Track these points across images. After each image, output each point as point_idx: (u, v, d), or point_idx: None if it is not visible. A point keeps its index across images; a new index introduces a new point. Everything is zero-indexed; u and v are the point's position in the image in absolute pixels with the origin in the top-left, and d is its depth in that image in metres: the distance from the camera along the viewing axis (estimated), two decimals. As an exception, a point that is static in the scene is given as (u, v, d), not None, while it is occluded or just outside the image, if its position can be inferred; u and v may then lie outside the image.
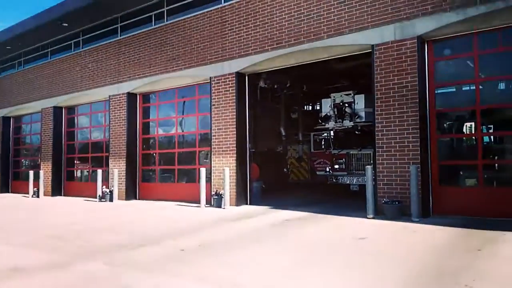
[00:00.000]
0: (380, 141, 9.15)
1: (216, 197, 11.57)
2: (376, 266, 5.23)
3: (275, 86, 14.58)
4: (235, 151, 11.63)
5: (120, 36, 15.24)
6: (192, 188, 12.96)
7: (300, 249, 6.35)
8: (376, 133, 9.22)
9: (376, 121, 9.23)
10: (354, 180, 12.72)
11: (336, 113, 12.54)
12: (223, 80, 11.94)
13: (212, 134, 12.13)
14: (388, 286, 4.41)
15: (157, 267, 5.37)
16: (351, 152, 13.13)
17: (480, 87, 8.79)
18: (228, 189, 11.39)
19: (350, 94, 12.40)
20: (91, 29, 16.48)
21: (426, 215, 8.64)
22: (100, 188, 14.54)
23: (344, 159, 13.28)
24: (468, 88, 9.07)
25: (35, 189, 17.13)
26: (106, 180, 14.97)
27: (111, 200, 14.10)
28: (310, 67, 12.52)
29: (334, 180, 13.31)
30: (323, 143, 15.34)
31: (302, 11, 10.46)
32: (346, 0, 9.74)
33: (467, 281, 4.44)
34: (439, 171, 8.97)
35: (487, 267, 5.02)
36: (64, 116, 17.90)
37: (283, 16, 10.80)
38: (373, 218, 8.80)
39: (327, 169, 13.72)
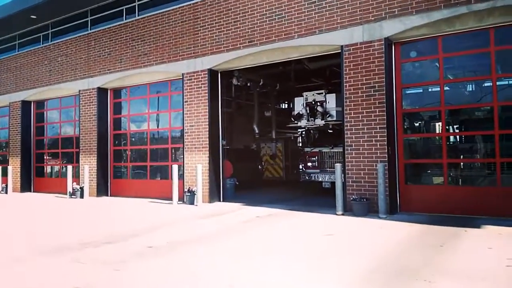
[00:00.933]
0: (349, 140, 9.34)
1: (189, 194, 11.55)
2: (339, 261, 5.36)
3: (249, 84, 14.59)
4: (208, 148, 11.62)
5: (90, 29, 14.94)
6: (165, 185, 12.91)
7: (265, 245, 6.41)
8: (345, 132, 9.40)
9: (345, 120, 9.41)
10: (326, 178, 12.88)
11: (308, 111, 12.65)
12: (195, 77, 11.89)
13: (185, 131, 12.09)
14: (347, 281, 4.53)
15: (122, 264, 5.34)
16: (323, 150, 13.30)
17: (445, 88, 9.07)
18: (200, 186, 11.39)
19: (322, 93, 12.53)
20: (61, 22, 16.10)
21: (394, 212, 8.89)
22: (70, 185, 14.29)
23: (316, 157, 13.45)
24: (433, 89, 9.33)
25: (4, 185, 16.78)
26: (77, 176, 14.75)
27: (81, 196, 13.88)
28: (283, 65, 12.66)
29: (307, 178, 13.45)
30: (299, 140, 15.46)
31: (274, 10, 10.52)
32: (316, 0, 9.86)
33: (427, 276, 4.61)
34: (405, 170, 9.23)
35: (447, 261, 5.22)
36: (33, 111, 17.45)
37: (255, 15, 10.84)
38: (342, 214, 8.99)
39: (300, 167, 13.87)
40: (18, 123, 17.22)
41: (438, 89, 9.03)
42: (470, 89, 9.28)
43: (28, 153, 17.27)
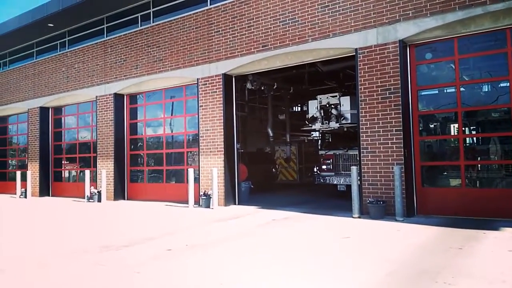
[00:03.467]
0: (365, 142, 9.33)
1: (205, 197, 11.65)
2: (356, 264, 5.37)
3: (263, 88, 14.68)
4: (223, 152, 11.72)
5: (106, 36, 15.22)
6: (181, 189, 13.05)
7: (282, 248, 6.45)
8: (360, 134, 9.39)
9: (360, 122, 9.41)
10: (341, 181, 12.83)
11: (322, 114, 12.65)
12: (210, 82, 12.02)
13: (200, 135, 12.21)
14: (365, 283, 4.53)
15: (142, 266, 5.44)
16: (338, 153, 13.28)
17: (462, 89, 9.01)
18: (216, 190, 11.48)
19: (336, 96, 12.53)
20: (77, 29, 16.44)
21: (411, 214, 8.84)
22: (88, 189, 14.54)
23: (331, 160, 13.43)
24: (449, 90, 9.27)
25: (23, 189, 17.08)
26: (94, 180, 14.99)
27: (99, 200, 14.10)
28: (296, 69, 12.70)
29: (322, 181, 13.43)
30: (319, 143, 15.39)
31: (287, 14, 10.59)
32: (330, 4, 9.91)
33: (446, 278, 4.59)
34: (422, 172, 9.18)
35: (466, 264, 5.18)
36: (51, 117, 17.82)
37: (269, 19, 10.92)
38: (358, 217, 8.98)
39: (315, 169, 13.86)
40: (37, 129, 17.58)
41: (454, 90, 8.98)
42: (487, 90, 9.20)
43: (46, 158, 17.62)
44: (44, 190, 17.42)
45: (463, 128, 9.16)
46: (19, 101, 18.55)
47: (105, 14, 15.19)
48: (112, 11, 14.93)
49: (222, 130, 11.73)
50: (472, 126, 9.48)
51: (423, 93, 9.48)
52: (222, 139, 11.73)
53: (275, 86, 14.88)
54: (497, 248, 5.96)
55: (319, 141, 14.48)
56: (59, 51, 17.10)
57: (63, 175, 17.92)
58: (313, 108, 13.09)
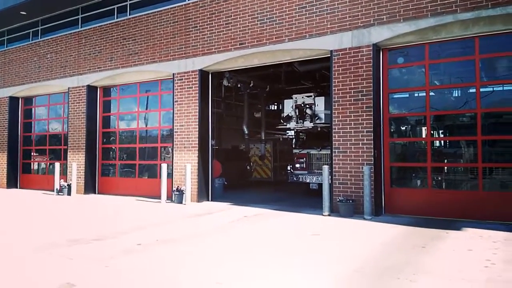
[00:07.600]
0: (337, 142, 9.51)
1: (177, 193, 11.61)
2: (323, 260, 5.50)
3: (239, 85, 14.71)
4: (198, 148, 11.70)
5: (81, 27, 14.89)
6: (153, 184, 12.94)
7: (252, 244, 6.53)
8: (333, 134, 9.57)
9: (333, 123, 9.59)
10: (314, 179, 13.03)
11: (297, 114, 12.82)
12: (186, 77, 11.97)
13: (175, 130, 12.15)
14: (331, 279, 4.67)
15: (112, 260, 5.42)
16: (311, 152, 13.47)
17: (431, 94, 9.30)
18: (189, 185, 11.46)
19: (311, 96, 12.70)
20: (51, 19, 16.00)
21: (378, 213, 9.09)
22: (57, 182, 14.22)
23: (305, 159, 13.61)
24: (419, 94, 9.57)
25: (-12, 181, 16.59)
26: (64, 173, 14.69)
27: (69, 194, 13.83)
28: (273, 67, 12.80)
29: (295, 179, 13.60)
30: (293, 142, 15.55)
31: (265, 13, 10.65)
32: (307, 5, 10.04)
33: (408, 275, 4.78)
34: (391, 173, 9.44)
35: (429, 262, 5.40)
36: (21, 107, 17.31)
37: (246, 18, 10.96)
38: (328, 215, 9.15)
39: (289, 168, 14.01)
40: (5, 119, 17.07)
41: (424, 94, 9.27)
42: (455, 95, 9.54)
43: (15, 150, 17.12)
44: (12, 182, 16.93)
45: (431, 132, 9.47)
46: (-13, 89, 17.95)
47: (80, 4, 14.84)
48: (87, 1, 14.61)
49: (197, 126, 11.71)
50: (440, 130, 9.81)
51: (394, 96, 9.73)
52: (197, 135, 11.71)
53: (251, 84, 14.93)
54: (458, 247, 6.21)
55: (294, 140, 14.62)
56: (31, 40, 16.62)
57: (32, 167, 17.45)
58: (288, 107, 13.23)
